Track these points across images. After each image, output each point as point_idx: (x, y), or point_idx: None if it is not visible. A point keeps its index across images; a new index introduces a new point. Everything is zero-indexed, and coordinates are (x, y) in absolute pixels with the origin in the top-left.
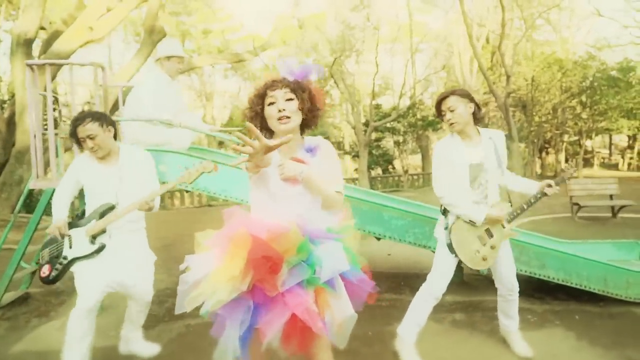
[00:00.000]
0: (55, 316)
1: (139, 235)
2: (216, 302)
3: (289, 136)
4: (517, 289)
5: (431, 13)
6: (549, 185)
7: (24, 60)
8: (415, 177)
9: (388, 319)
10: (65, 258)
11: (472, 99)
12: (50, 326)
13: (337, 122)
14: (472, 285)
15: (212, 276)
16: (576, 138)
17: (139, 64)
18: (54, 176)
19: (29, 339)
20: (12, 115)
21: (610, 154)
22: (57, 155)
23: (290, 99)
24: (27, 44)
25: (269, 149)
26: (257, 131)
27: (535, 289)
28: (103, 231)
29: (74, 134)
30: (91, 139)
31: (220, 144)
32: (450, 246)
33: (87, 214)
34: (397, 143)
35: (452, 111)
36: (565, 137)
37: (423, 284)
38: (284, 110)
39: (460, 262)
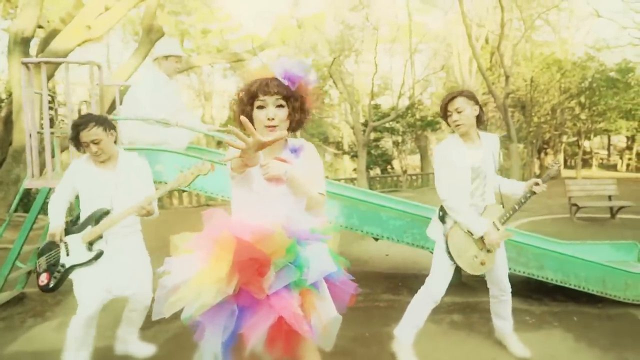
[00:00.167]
0: (51, 316)
1: (135, 239)
2: (200, 306)
3: (283, 132)
4: (510, 290)
5: (430, 13)
6: (537, 184)
7: (21, 58)
8: (413, 177)
9: (386, 320)
10: (63, 266)
11: (477, 102)
12: (45, 326)
13: (335, 122)
14: (470, 286)
15: (194, 280)
16: (575, 139)
17: (136, 63)
18: (50, 175)
19: (24, 339)
20: (9, 114)
21: (609, 155)
22: (53, 155)
23: (281, 106)
24: (25, 42)
25: (263, 145)
26: (252, 127)
27: (533, 290)
28: (99, 237)
29: (76, 138)
30: (95, 143)
31: (219, 143)
32: (448, 253)
33: (81, 218)
34: (395, 143)
35: (459, 112)
36: (564, 138)
37: (422, 287)
38: (273, 119)
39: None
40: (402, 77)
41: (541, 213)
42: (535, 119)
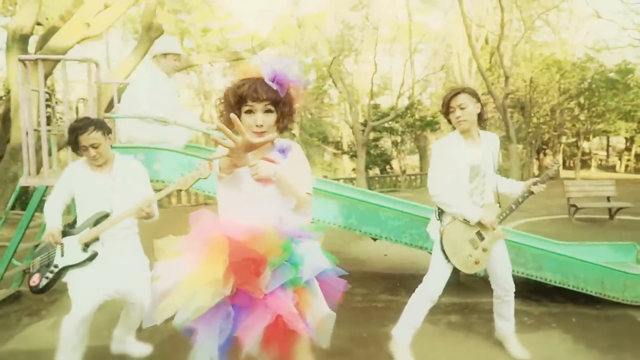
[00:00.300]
0: (46, 315)
1: (132, 241)
2: (197, 309)
3: (274, 134)
4: (513, 290)
5: (430, 13)
6: (535, 184)
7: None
8: (412, 177)
9: (383, 320)
10: (56, 266)
11: (479, 100)
12: (41, 325)
13: (335, 122)
14: (469, 286)
15: (186, 283)
16: (574, 140)
17: (136, 61)
18: (46, 173)
19: (20, 337)
20: (7, 112)
21: (608, 156)
22: (50, 153)
23: (270, 111)
24: (23, 39)
25: (252, 147)
26: (242, 126)
27: (532, 291)
28: (96, 239)
29: (74, 142)
30: (95, 147)
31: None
32: (443, 251)
33: (78, 222)
34: (395, 143)
35: (462, 109)
36: (563, 139)
37: (419, 286)
38: (261, 126)
39: None
40: (401, 77)
41: (540, 214)
42: (535, 120)
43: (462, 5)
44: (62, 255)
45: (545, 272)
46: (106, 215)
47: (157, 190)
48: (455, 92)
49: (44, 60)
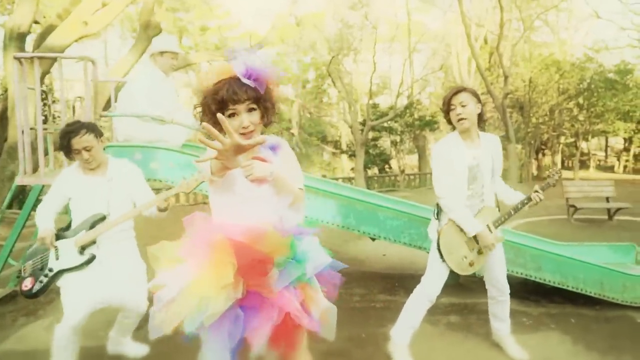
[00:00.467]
0: (43, 315)
1: (129, 244)
2: (210, 315)
3: (263, 137)
4: (508, 291)
5: (429, 13)
6: (536, 191)
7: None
8: (411, 177)
9: (382, 321)
10: (50, 270)
11: (479, 100)
12: (37, 325)
13: (334, 121)
14: (468, 287)
15: (194, 289)
16: (572, 140)
17: (133, 60)
18: (42, 173)
19: (16, 337)
20: (4, 110)
21: (606, 156)
22: (46, 152)
23: (253, 109)
24: (20, 37)
25: (241, 149)
26: (229, 127)
27: (530, 292)
28: (93, 242)
29: (67, 146)
30: (87, 150)
31: None
32: (439, 251)
33: (73, 226)
34: (394, 143)
35: (463, 106)
36: (562, 139)
37: (417, 286)
38: (247, 127)
39: None
40: (400, 77)
41: (539, 214)
42: (534, 120)
43: (462, 4)
44: (57, 259)
45: (544, 273)
46: (103, 218)
47: (155, 190)
48: (457, 90)
49: (40, 58)
